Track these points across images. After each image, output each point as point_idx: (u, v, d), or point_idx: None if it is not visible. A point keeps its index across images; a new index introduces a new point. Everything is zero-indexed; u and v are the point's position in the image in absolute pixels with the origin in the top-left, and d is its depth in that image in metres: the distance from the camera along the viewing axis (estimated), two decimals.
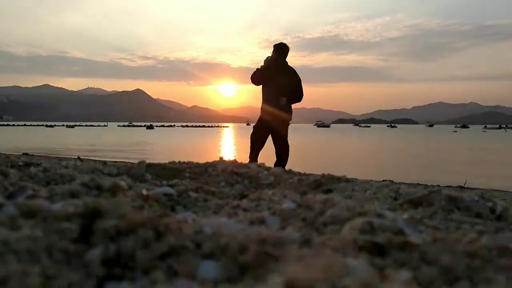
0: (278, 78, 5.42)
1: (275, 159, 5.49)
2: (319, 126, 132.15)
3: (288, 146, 5.55)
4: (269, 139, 5.58)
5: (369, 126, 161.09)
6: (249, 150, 5.53)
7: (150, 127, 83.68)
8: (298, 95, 5.59)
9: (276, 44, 5.59)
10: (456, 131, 74.78)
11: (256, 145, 5.51)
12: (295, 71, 5.64)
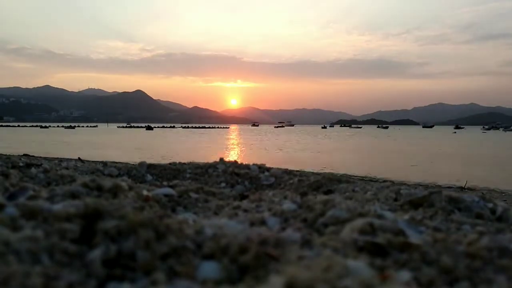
0: None
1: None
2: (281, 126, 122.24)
3: None
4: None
5: (343, 126, 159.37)
6: None
7: (149, 128, 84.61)
8: None
9: None
10: (455, 132, 74.55)
11: None
12: None
